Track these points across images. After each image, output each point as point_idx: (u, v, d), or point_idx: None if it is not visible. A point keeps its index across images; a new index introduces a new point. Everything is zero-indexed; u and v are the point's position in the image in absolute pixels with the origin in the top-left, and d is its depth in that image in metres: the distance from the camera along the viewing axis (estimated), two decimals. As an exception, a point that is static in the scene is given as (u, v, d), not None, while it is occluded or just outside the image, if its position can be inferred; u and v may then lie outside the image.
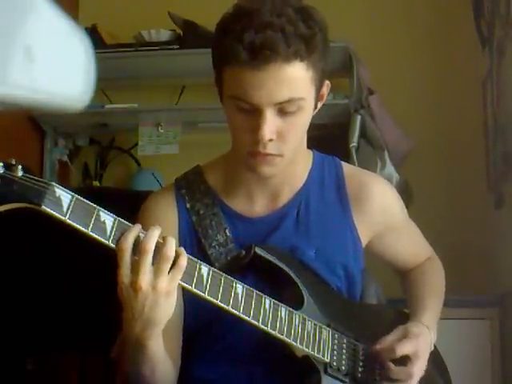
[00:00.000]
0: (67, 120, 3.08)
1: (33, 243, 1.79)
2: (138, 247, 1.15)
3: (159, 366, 1.27)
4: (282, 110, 1.27)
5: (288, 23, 1.24)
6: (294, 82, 1.26)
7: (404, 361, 1.39)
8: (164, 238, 1.17)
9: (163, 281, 1.16)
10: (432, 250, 1.67)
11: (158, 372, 1.28)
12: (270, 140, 1.28)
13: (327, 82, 1.37)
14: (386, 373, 1.39)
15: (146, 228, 1.18)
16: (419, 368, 1.39)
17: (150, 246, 1.15)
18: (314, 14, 1.30)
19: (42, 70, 0.64)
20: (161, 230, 1.18)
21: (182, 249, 1.20)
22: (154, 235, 1.16)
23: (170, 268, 1.17)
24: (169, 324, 1.24)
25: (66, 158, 3.28)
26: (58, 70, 0.66)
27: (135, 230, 1.16)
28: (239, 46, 1.23)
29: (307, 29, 1.26)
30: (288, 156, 1.34)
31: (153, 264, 1.16)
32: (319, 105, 1.39)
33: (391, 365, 1.38)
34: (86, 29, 2.91)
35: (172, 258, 1.16)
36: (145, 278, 1.14)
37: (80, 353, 1.94)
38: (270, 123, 1.27)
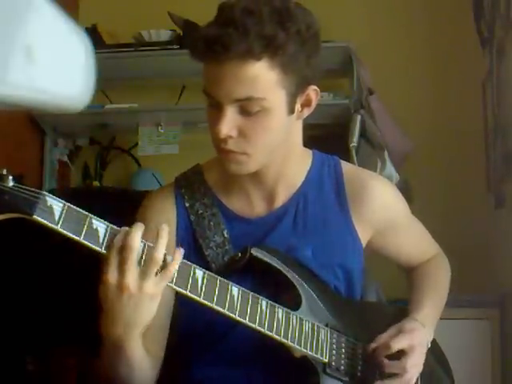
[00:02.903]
0: (67, 120, 3.08)
1: (33, 242, 1.79)
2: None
3: (136, 369, 1.26)
4: (244, 108, 1.26)
5: (255, 23, 1.21)
6: (254, 81, 1.24)
7: (400, 356, 1.37)
8: (155, 242, 1.16)
9: (150, 283, 1.14)
10: (438, 247, 1.65)
11: (135, 377, 1.27)
12: (230, 137, 1.28)
13: (313, 88, 1.34)
14: (382, 369, 1.38)
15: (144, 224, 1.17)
16: (414, 362, 1.37)
17: (134, 243, 1.13)
18: (297, 15, 1.26)
19: (42, 69, 0.64)
20: (144, 228, 1.15)
21: (179, 253, 1.18)
22: (138, 231, 1.14)
23: (160, 270, 1.16)
24: (154, 325, 1.23)
25: (65, 158, 3.28)
26: (58, 70, 0.66)
27: (123, 233, 1.14)
28: (198, 39, 1.24)
29: (278, 30, 1.22)
30: (256, 156, 1.32)
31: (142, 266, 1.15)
32: (306, 111, 1.36)
33: (385, 360, 1.37)
34: (86, 29, 2.90)
35: (160, 262, 1.15)
36: (131, 277, 1.13)
37: (80, 352, 1.94)
38: (229, 119, 1.26)
